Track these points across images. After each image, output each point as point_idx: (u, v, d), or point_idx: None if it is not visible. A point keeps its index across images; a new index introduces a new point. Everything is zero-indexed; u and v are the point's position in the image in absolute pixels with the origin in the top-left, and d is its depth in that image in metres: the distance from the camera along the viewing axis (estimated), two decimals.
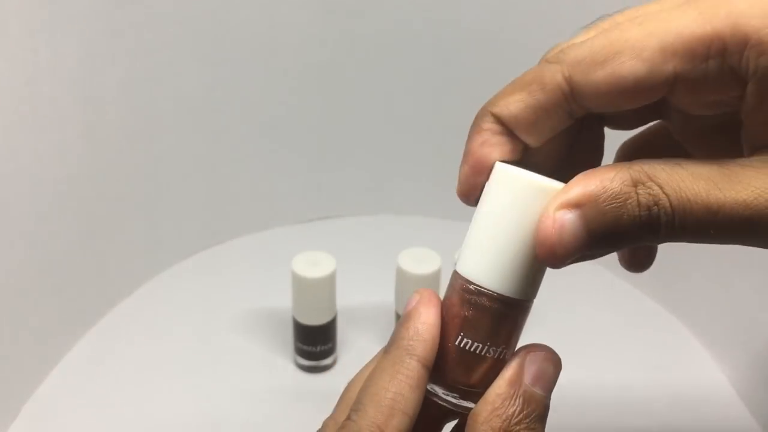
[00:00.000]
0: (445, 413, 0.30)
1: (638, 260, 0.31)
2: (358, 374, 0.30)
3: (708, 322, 0.64)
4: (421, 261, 0.57)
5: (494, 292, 0.26)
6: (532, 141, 0.27)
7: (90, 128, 0.59)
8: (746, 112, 0.24)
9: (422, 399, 0.27)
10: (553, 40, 0.28)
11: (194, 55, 0.66)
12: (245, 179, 0.74)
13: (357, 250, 0.70)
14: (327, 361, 0.60)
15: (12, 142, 0.52)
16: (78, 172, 0.59)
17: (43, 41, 0.53)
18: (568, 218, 0.24)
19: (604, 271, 0.71)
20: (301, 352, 0.60)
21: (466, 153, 0.27)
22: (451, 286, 0.28)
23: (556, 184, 0.25)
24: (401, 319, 0.28)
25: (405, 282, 0.57)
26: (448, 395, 0.27)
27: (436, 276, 0.57)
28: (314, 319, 0.58)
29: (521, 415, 0.26)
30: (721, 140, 0.27)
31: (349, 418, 0.27)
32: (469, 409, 0.27)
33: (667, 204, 0.23)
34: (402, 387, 0.26)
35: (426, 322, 0.27)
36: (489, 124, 0.27)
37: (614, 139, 0.32)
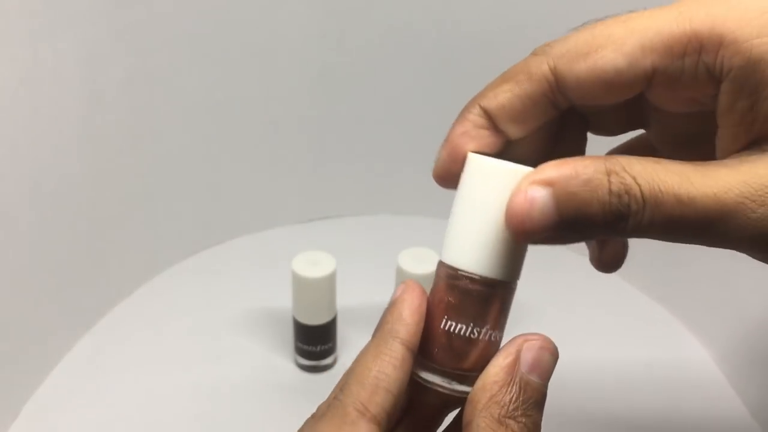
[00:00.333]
0: (445, 403, 0.31)
1: (607, 259, 0.32)
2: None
3: (706, 320, 0.64)
4: (421, 261, 0.57)
5: (475, 275, 0.27)
6: (515, 131, 0.28)
7: (90, 128, 0.59)
8: (720, 112, 0.25)
9: (407, 379, 0.28)
10: None
11: (194, 55, 0.66)
12: (245, 179, 0.74)
13: (357, 250, 0.70)
14: (327, 361, 0.60)
15: (12, 142, 0.52)
16: (78, 172, 0.59)
17: (43, 41, 0.53)
18: (540, 194, 0.24)
19: None
20: (301, 352, 0.60)
21: (446, 139, 0.28)
22: (436, 275, 0.28)
23: (529, 169, 0.26)
24: (387, 306, 0.29)
25: None
26: (442, 380, 0.28)
27: None
28: (314, 318, 0.58)
29: (519, 401, 0.26)
30: (699, 150, 0.27)
31: (335, 397, 0.27)
32: (465, 393, 0.27)
33: (639, 193, 0.23)
34: (385, 366, 0.27)
35: (409, 307, 0.28)
36: (473, 116, 0.28)
37: (598, 148, 0.31)
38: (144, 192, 0.67)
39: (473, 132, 0.28)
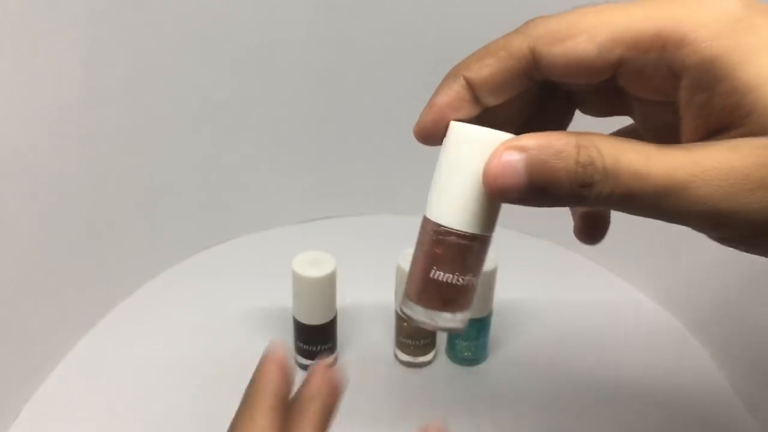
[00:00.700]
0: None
1: (588, 230, 0.36)
2: None
3: (706, 320, 0.64)
4: None
5: (460, 231, 0.30)
6: (492, 101, 0.31)
7: (90, 128, 0.59)
8: (681, 105, 0.28)
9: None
10: None
11: (194, 55, 0.66)
12: (245, 179, 0.74)
13: (357, 250, 0.70)
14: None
15: (12, 142, 0.52)
16: (78, 172, 0.59)
17: (43, 41, 0.53)
18: (514, 158, 0.27)
19: (604, 270, 0.71)
20: (301, 352, 0.60)
21: (432, 105, 0.31)
22: (422, 228, 0.32)
23: (509, 136, 0.29)
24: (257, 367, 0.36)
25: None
26: (427, 317, 0.32)
27: None
28: (314, 318, 0.58)
29: None
30: (678, 140, 0.29)
31: None
32: (447, 328, 0.32)
33: (601, 166, 0.26)
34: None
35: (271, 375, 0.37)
36: (459, 87, 0.31)
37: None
38: (144, 192, 0.67)
39: (457, 103, 0.31)
